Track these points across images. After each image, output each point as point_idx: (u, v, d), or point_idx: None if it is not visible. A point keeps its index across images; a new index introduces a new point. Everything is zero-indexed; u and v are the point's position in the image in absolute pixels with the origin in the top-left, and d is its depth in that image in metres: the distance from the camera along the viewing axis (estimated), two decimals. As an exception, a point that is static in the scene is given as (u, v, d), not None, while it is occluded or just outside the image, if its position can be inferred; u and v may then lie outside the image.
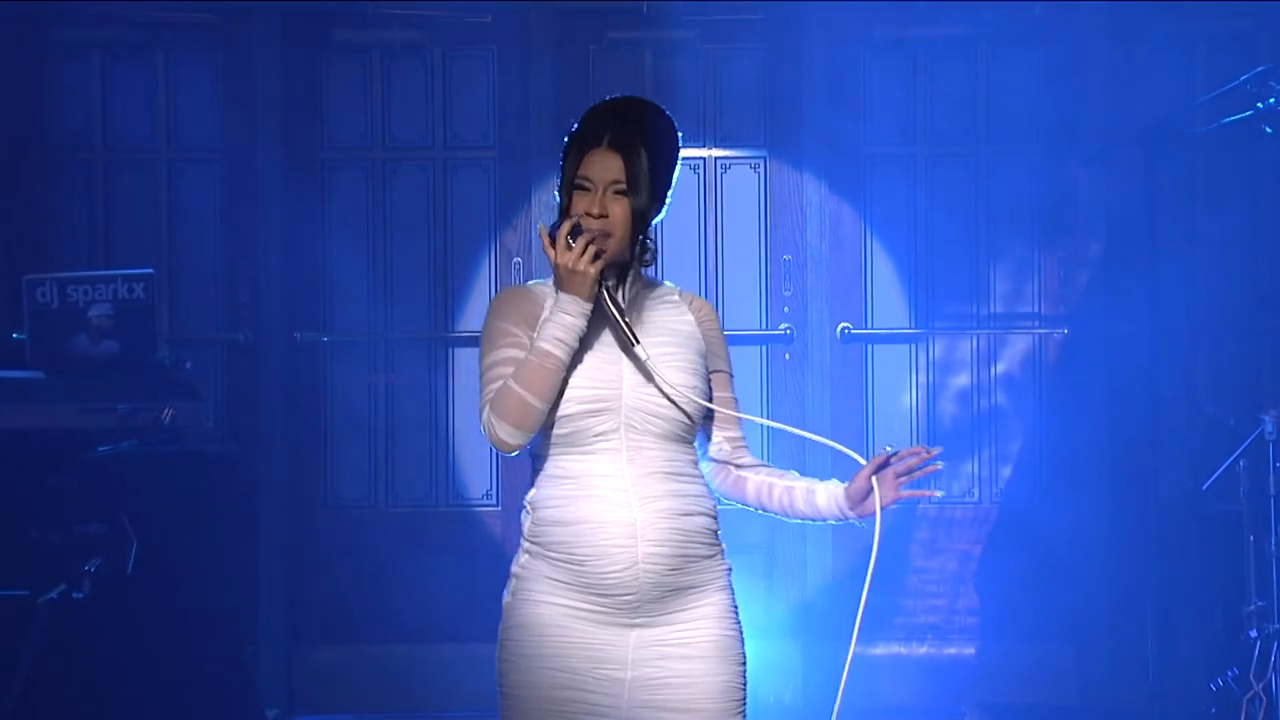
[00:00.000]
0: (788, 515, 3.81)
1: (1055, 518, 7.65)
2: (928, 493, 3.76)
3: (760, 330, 7.71)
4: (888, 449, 3.70)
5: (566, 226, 3.56)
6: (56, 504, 5.43)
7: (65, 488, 5.47)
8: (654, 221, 3.70)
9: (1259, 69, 5.64)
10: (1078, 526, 7.59)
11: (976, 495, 7.81)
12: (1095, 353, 7.62)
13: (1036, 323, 7.83)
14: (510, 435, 3.59)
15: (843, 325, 7.73)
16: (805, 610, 7.56)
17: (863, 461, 3.67)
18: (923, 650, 7.74)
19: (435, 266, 7.85)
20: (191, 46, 7.84)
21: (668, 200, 3.70)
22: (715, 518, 3.74)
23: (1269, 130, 5.67)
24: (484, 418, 3.62)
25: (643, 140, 3.65)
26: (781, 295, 7.76)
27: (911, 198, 7.84)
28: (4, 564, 5.13)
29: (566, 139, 3.69)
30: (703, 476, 3.76)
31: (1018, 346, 7.84)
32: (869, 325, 7.82)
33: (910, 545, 7.75)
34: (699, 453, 3.78)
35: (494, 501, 7.82)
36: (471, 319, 7.80)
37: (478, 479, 7.85)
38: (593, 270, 3.56)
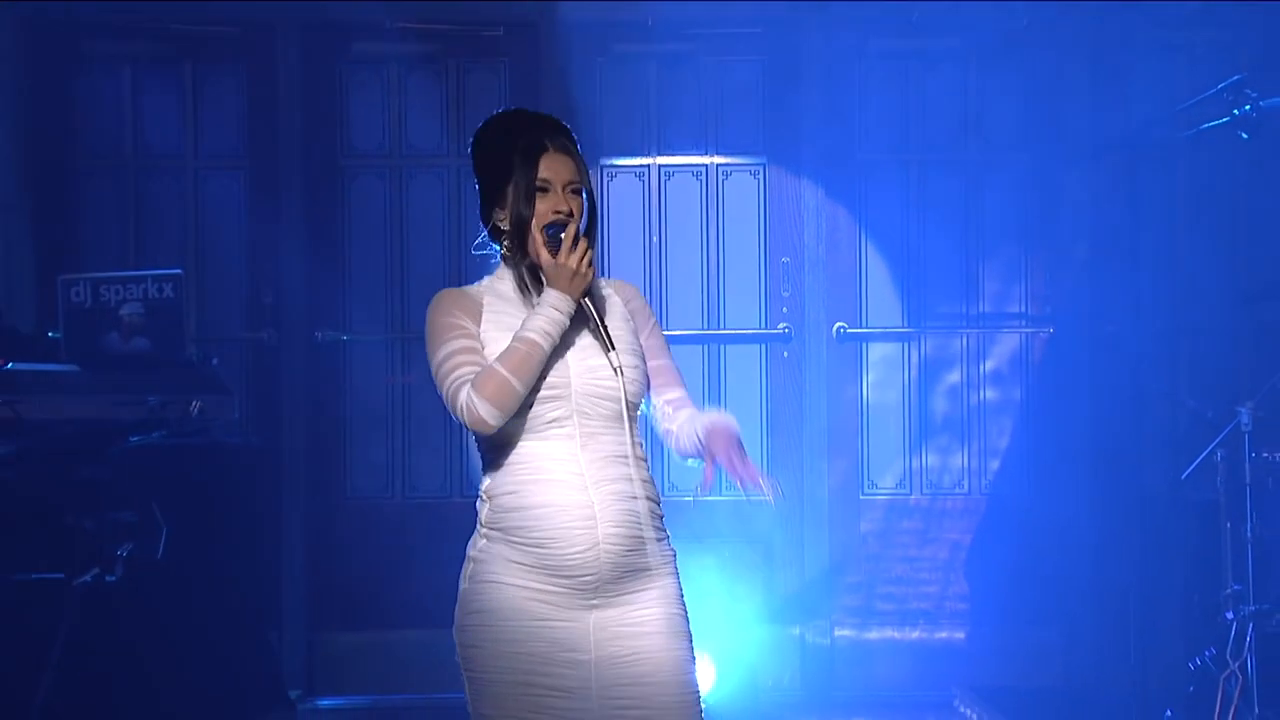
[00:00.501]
0: (687, 455, 3.80)
1: (1042, 508, 7.69)
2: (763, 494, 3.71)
3: (760, 329, 7.71)
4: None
5: (572, 229, 3.63)
6: (90, 491, 5.42)
7: (98, 476, 5.47)
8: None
9: (1235, 77, 5.62)
10: (1063, 516, 7.61)
11: (966, 487, 7.84)
12: (1080, 350, 7.64)
13: (1024, 322, 7.86)
14: (490, 415, 3.59)
15: (839, 324, 7.75)
16: (802, 597, 7.58)
17: (767, 495, 3.63)
18: (915, 635, 7.75)
19: (450, 268, 7.83)
20: (217, 59, 7.86)
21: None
22: (659, 502, 3.75)
23: (1245, 136, 5.65)
24: (461, 399, 3.60)
25: (573, 144, 3.74)
26: (780, 296, 7.77)
27: (904, 202, 7.87)
28: (40, 549, 5.14)
29: (489, 145, 3.71)
30: (649, 461, 3.76)
31: (1006, 345, 7.87)
32: (864, 324, 7.83)
33: (903, 535, 7.77)
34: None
35: None
36: None
37: (491, 471, 7.89)
38: (590, 274, 3.63)
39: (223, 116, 7.87)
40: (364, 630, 7.75)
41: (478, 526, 3.71)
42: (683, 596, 3.76)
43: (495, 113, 3.80)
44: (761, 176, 7.79)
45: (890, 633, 7.74)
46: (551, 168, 3.70)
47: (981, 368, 7.86)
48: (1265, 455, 5.74)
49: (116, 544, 5.46)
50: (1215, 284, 7.61)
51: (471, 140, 3.78)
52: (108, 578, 5.17)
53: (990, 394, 7.85)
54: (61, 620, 5.00)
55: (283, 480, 7.56)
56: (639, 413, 3.76)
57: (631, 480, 3.67)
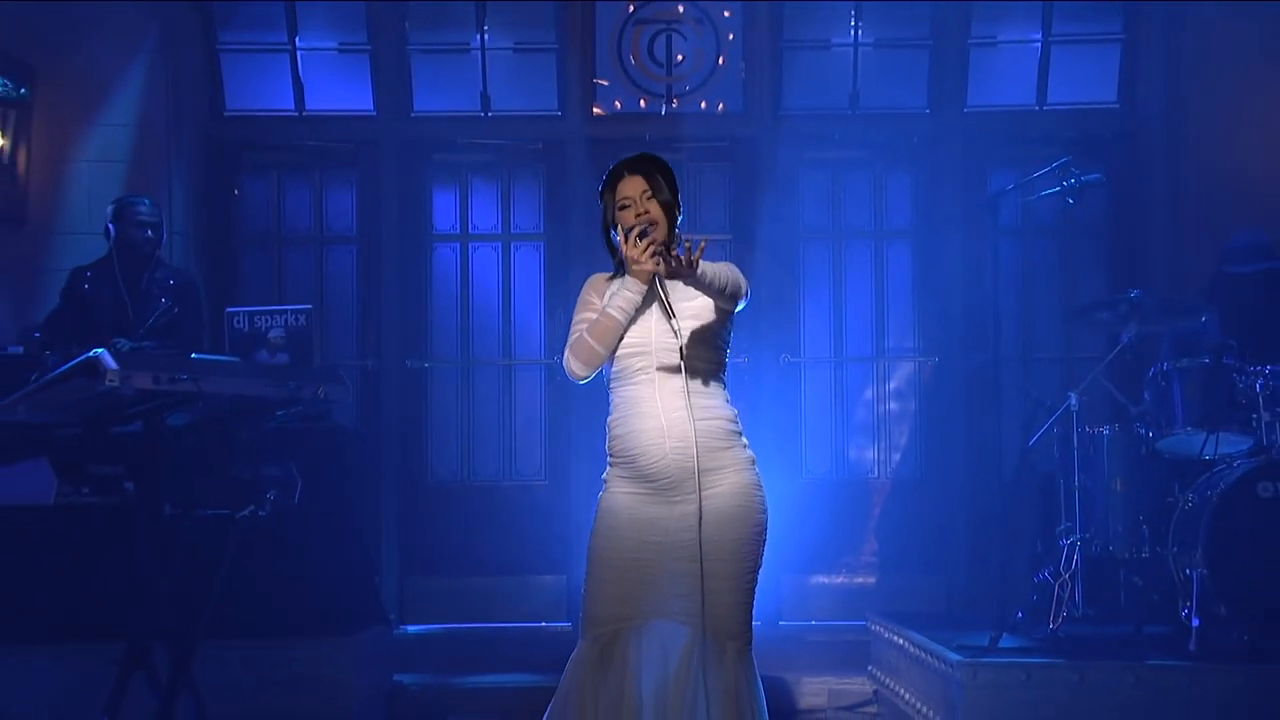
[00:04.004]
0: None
1: (930, 487, 7.77)
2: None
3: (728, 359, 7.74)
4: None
5: (636, 230, 3.73)
6: (247, 450, 5.37)
7: (253, 439, 5.43)
8: (679, 218, 3.88)
9: (1063, 159, 5.77)
10: (946, 490, 7.69)
11: (876, 472, 7.89)
12: (957, 373, 7.71)
13: (917, 353, 7.91)
14: (579, 368, 3.79)
15: (784, 355, 7.82)
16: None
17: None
18: (839, 580, 7.79)
19: (502, 314, 7.94)
20: (337, 165, 7.98)
21: (680, 205, 3.88)
22: (730, 420, 3.80)
23: (1071, 201, 5.78)
24: (565, 356, 3.81)
25: (653, 167, 3.87)
26: (740, 335, 7.79)
27: (830, 266, 7.94)
28: (212, 491, 5.14)
29: (601, 188, 3.88)
30: (722, 389, 3.83)
31: (904, 370, 7.93)
32: (801, 355, 7.89)
33: (830, 507, 7.78)
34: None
35: (543, 478, 7.88)
36: (528, 351, 7.92)
37: (532, 462, 7.92)
38: (651, 264, 3.71)
39: (340, 206, 7.98)
40: (439, 576, 7.79)
41: (607, 455, 3.85)
42: (754, 491, 3.76)
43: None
44: (728, 248, 7.85)
45: (821, 579, 7.78)
46: (628, 186, 3.83)
47: (887, 386, 7.93)
48: (1088, 429, 5.78)
49: (265, 490, 5.40)
50: (1051, 306, 7.71)
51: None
52: (260, 513, 5.15)
53: (893, 405, 7.92)
54: (227, 544, 4.98)
55: (382, 465, 7.61)
56: (712, 361, 3.80)
57: (697, 407, 3.73)
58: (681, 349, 3.74)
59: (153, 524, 4.72)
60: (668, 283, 3.80)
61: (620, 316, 3.74)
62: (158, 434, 4.78)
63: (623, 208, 3.82)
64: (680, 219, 3.89)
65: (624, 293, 3.75)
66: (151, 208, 6.43)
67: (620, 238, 3.77)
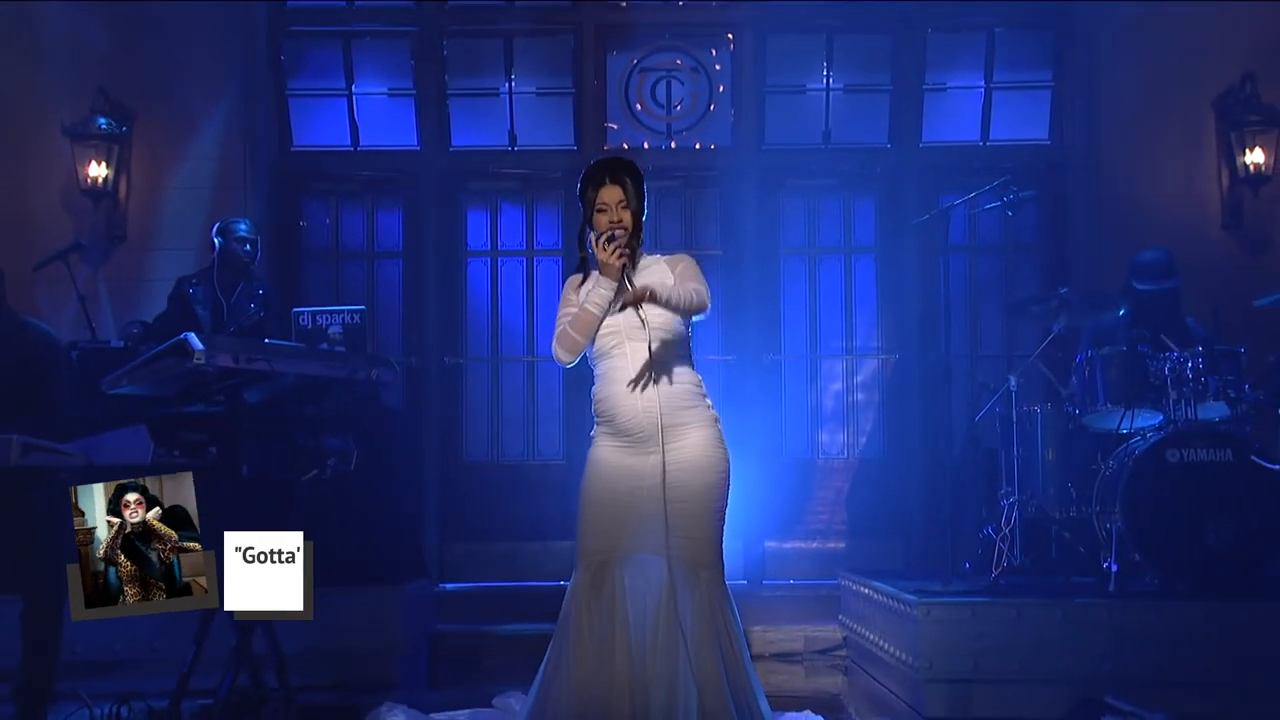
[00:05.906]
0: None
1: (891, 465, 7.78)
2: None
3: (720, 357, 7.77)
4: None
5: (605, 236, 3.80)
6: (312, 424, 5.47)
7: (317, 414, 5.51)
8: (645, 216, 3.93)
9: (1003, 178, 5.87)
10: (904, 468, 7.70)
11: (846, 454, 7.91)
12: (913, 368, 7.74)
13: (880, 351, 7.94)
14: (564, 356, 3.86)
15: (767, 354, 7.84)
16: (743, 524, 7.33)
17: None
18: (814, 545, 7.80)
19: (527, 318, 7.98)
20: (386, 191, 8.02)
21: (645, 210, 3.93)
22: (694, 385, 3.87)
23: (1011, 214, 5.89)
24: (552, 346, 3.89)
25: (627, 175, 3.89)
26: (730, 336, 7.86)
27: (806, 278, 7.98)
28: (282, 457, 5.17)
29: (580, 184, 3.92)
30: (685, 361, 3.89)
31: (869, 366, 7.96)
32: (781, 354, 7.92)
33: (806, 483, 7.83)
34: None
35: (561, 458, 7.88)
36: (549, 350, 7.86)
37: (552, 444, 7.94)
38: (618, 263, 3.78)
39: (389, 226, 8.02)
40: (472, 542, 7.80)
41: (594, 418, 3.91)
42: (717, 443, 3.81)
43: (592, 161, 3.95)
44: (719, 262, 7.87)
45: (799, 544, 7.79)
46: (606, 194, 3.83)
47: (854, 380, 7.97)
48: (1025, 408, 5.85)
49: (327, 458, 5.45)
50: (994, 310, 7.78)
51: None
52: (322, 477, 5.17)
53: (860, 396, 7.95)
54: (294, 502, 4.99)
55: (424, 447, 7.64)
56: (673, 338, 3.84)
57: (664, 373, 3.81)
58: (647, 329, 3.81)
59: (232, 483, 4.77)
60: (635, 278, 3.86)
61: (596, 311, 3.82)
62: (237, 407, 4.83)
63: (600, 211, 3.86)
64: (646, 215, 3.95)
65: (598, 290, 3.82)
66: (250, 228, 6.59)
67: (593, 239, 3.85)
